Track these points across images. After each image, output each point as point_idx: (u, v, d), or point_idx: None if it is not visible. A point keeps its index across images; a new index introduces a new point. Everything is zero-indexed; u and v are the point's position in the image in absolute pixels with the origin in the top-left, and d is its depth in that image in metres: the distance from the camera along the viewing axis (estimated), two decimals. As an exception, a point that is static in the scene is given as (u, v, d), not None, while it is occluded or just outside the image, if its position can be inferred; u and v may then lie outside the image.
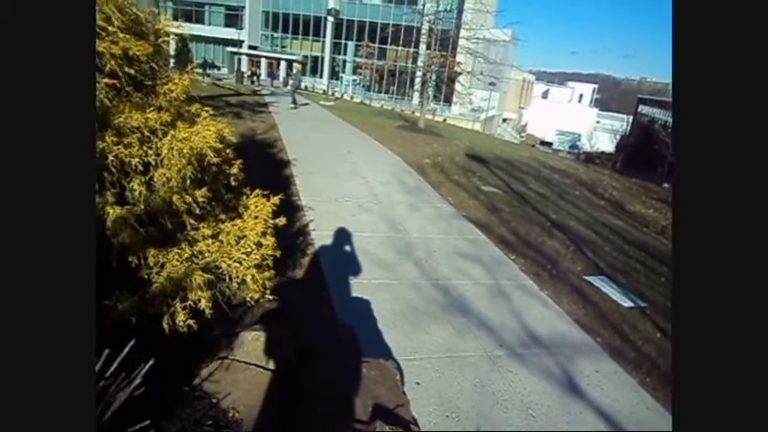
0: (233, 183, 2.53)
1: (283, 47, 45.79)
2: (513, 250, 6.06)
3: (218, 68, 40.25)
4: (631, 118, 32.15)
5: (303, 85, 37.33)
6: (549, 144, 44.39)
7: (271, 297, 2.53)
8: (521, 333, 4.14)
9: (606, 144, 36.58)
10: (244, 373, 2.12)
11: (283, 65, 44.02)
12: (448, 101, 36.70)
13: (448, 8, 20.63)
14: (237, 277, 2.26)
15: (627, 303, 5.12)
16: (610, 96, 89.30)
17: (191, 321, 2.03)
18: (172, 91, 2.09)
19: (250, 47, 44.85)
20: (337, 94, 35.78)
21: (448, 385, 3.31)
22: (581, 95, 64.84)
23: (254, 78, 35.16)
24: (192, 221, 2.18)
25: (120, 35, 1.82)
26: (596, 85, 73.23)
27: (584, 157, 31.81)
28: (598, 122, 49.59)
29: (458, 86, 22.52)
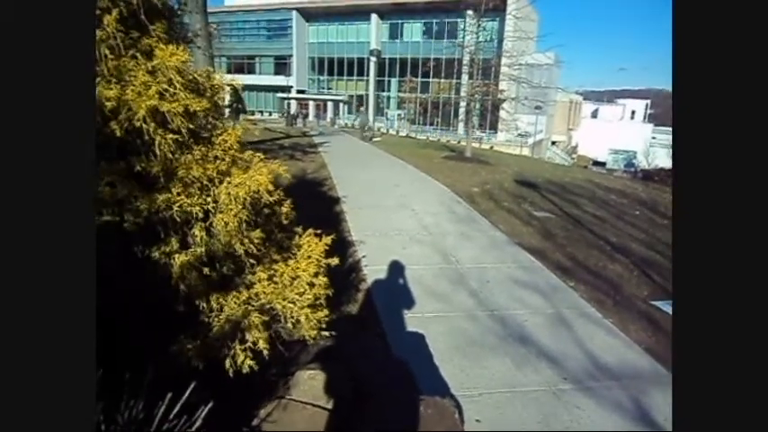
0: (285, 222, 2.62)
1: (329, 88, 47.72)
2: (572, 276, 5.82)
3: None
4: (690, 131, 30.54)
5: (345, 122, 38.79)
6: (603, 164, 42.77)
7: (326, 335, 2.56)
8: (586, 364, 3.92)
9: (665, 160, 34.80)
10: (301, 412, 2.13)
11: (330, 105, 45.78)
12: (494, 128, 36.49)
13: (488, 39, 20.73)
14: (292, 317, 2.31)
15: (702, 329, 4.74)
16: (664, 111, 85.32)
17: (251, 362, 2.08)
18: (226, 141, 2.24)
19: (298, 91, 47.11)
20: (383, 130, 36.51)
21: (510, 422, 3.16)
22: (633, 112, 62.49)
23: (297, 119, 36.51)
24: (251, 261, 2.28)
25: (182, 95, 1.98)
26: (649, 101, 70.46)
27: (641, 175, 30.34)
28: (654, 138, 47.42)
29: (503, 113, 22.44)
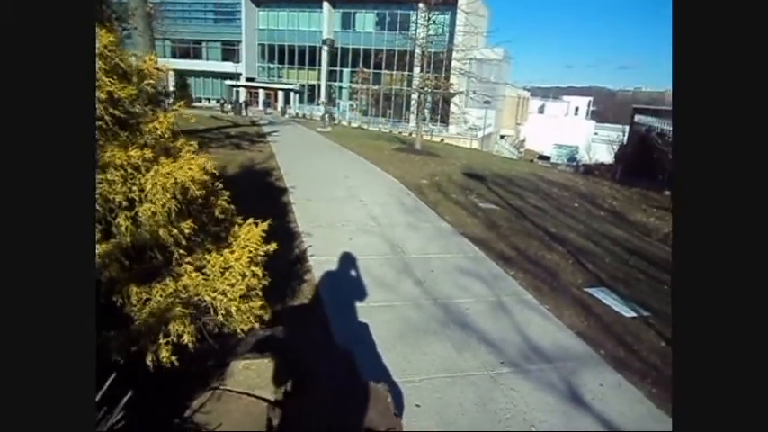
0: (219, 214, 2.57)
1: (280, 77, 46.67)
2: (513, 265, 6.05)
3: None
4: (628, 128, 32.35)
5: (302, 113, 38.47)
6: (548, 158, 44.53)
7: (263, 325, 2.54)
8: (522, 349, 4.10)
9: (604, 155, 36.65)
10: (236, 402, 2.12)
11: (281, 94, 44.84)
12: (444, 121, 37.08)
13: (439, 32, 20.99)
14: (222, 309, 2.27)
15: (629, 314, 5.07)
16: (606, 108, 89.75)
17: (172, 358, 2.03)
18: (157, 129, 2.16)
19: (247, 79, 45.75)
20: (335, 120, 36.25)
21: (449, 406, 3.27)
22: (576, 108, 65.35)
23: (238, 107, 34.99)
24: (181, 252, 2.21)
25: (105, 79, 1.89)
26: (591, 98, 73.77)
27: (582, 169, 31.89)
28: (595, 134, 49.78)
29: (453, 107, 22.87)
